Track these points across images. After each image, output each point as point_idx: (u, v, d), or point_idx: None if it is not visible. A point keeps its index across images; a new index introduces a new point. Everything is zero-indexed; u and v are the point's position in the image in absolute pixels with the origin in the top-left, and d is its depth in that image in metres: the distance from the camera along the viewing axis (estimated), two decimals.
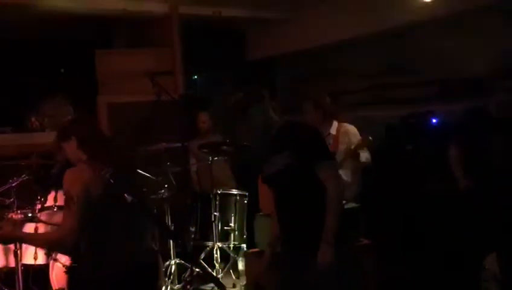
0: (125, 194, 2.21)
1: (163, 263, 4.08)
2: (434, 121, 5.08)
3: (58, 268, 3.58)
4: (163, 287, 4.19)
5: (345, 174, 3.69)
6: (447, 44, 5.23)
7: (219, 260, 4.49)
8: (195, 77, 7.18)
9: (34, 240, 2.75)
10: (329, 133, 3.94)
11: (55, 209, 3.76)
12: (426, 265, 4.25)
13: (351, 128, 4.02)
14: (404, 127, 5.44)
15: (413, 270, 4.21)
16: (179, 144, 4.84)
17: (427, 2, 4.53)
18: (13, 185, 3.73)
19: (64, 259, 3.54)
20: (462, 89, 5.10)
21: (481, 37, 5.00)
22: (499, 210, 3.40)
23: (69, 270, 3.25)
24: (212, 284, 4.30)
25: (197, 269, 4.14)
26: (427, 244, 4.56)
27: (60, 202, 3.76)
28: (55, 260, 3.62)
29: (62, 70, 6.72)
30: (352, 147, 3.85)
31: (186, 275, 4.37)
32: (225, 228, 4.53)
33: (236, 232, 4.54)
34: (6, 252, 3.75)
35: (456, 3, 4.86)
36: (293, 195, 2.57)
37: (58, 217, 3.76)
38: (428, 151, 4.96)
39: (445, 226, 4.46)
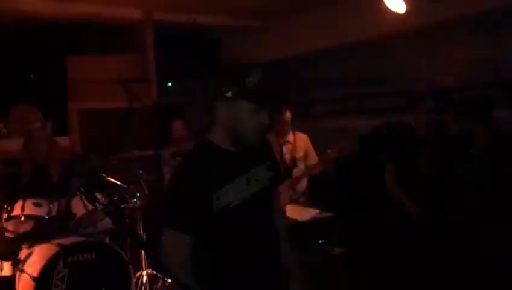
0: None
1: (135, 273, 3.99)
2: (405, 131, 5.14)
3: (25, 279, 3.46)
4: None
5: None
6: (418, 55, 5.33)
7: None
8: (170, 84, 7.12)
9: None
10: (288, 141, 4.43)
11: (22, 219, 3.64)
12: (398, 273, 4.28)
13: (305, 137, 4.51)
14: (376, 137, 5.49)
15: (385, 279, 4.24)
16: (151, 152, 4.77)
17: (399, 14, 4.59)
18: None
19: (31, 270, 3.43)
20: (432, 99, 5.19)
21: (452, 48, 5.12)
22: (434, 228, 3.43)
23: None
24: None
25: (169, 280, 4.07)
26: (398, 253, 4.60)
27: (28, 211, 3.65)
28: (22, 271, 3.50)
29: (32, 76, 6.58)
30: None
31: (158, 286, 4.29)
32: None
33: None
34: None
35: (427, 15, 4.96)
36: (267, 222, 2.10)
37: (25, 227, 3.67)
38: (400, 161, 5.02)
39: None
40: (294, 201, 4.40)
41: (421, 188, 3.50)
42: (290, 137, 4.51)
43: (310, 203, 4.41)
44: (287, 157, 4.47)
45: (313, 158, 4.48)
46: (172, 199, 2.00)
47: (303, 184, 4.51)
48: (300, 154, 4.47)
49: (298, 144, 4.47)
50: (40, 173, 3.93)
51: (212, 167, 1.94)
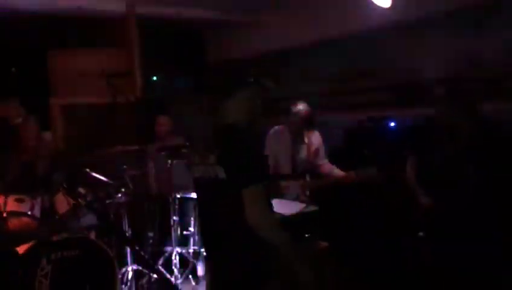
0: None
1: (120, 269, 3.95)
2: (392, 125, 5.17)
3: None
4: None
5: None
6: (405, 49, 5.36)
7: (178, 266, 4.40)
8: (154, 78, 7.05)
9: None
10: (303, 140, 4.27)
11: (4, 215, 3.58)
12: (381, 268, 4.31)
13: (317, 134, 4.33)
14: (362, 131, 5.51)
15: (369, 273, 4.26)
16: (135, 147, 4.72)
17: (385, 8, 4.60)
18: None
19: None
20: (420, 94, 5.23)
21: (435, 42, 5.15)
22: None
23: None
24: None
25: (155, 276, 4.03)
26: (383, 246, 4.62)
27: (10, 207, 3.59)
28: None
29: (13, 70, 6.46)
30: None
31: (144, 282, 4.26)
32: (184, 232, 4.44)
33: (196, 237, 4.45)
34: None
35: (413, 9, 4.98)
36: None
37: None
38: (386, 155, 5.04)
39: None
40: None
41: (436, 181, 3.51)
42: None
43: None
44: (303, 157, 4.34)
45: (323, 156, 4.35)
46: None
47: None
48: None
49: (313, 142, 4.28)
50: (27, 168, 3.89)
51: None
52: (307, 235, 3.79)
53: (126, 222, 4.29)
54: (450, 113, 3.57)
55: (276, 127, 4.36)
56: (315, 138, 4.35)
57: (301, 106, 4.22)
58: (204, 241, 2.48)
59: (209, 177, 2.26)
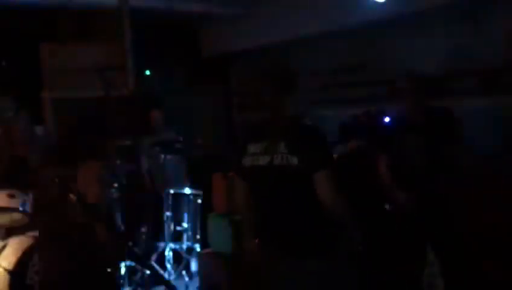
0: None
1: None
2: (386, 120, 5.16)
3: None
4: None
5: None
6: (399, 44, 5.35)
7: (171, 261, 4.37)
8: (148, 72, 6.99)
9: None
10: None
11: None
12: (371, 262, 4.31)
13: None
14: (356, 126, 5.49)
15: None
16: (128, 142, 4.68)
17: (380, 2, 4.59)
18: None
19: (5, 263, 3.33)
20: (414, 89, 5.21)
21: (433, 37, 5.15)
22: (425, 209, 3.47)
23: None
24: (163, 287, 4.18)
25: (148, 271, 4.01)
26: (376, 241, 4.63)
27: (1, 203, 3.55)
28: None
29: (3, 63, 6.38)
30: None
31: (137, 278, 4.23)
32: (178, 228, 4.41)
33: (190, 233, 4.43)
34: None
35: (406, 4, 4.96)
36: None
37: None
38: (380, 150, 5.03)
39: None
40: None
41: (411, 177, 3.50)
42: None
43: None
44: None
45: None
46: None
47: None
48: None
49: None
50: (19, 163, 3.84)
51: None
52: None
53: (119, 217, 4.26)
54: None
55: None
56: None
57: None
58: (263, 224, 2.53)
59: (275, 164, 2.40)
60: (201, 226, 4.43)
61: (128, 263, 4.18)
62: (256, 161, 2.48)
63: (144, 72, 6.86)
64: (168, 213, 4.38)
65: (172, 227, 4.39)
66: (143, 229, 4.45)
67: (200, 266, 4.16)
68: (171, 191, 4.43)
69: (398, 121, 3.67)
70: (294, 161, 2.36)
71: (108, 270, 3.41)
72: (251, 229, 2.59)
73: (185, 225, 4.40)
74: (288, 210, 2.44)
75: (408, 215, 3.57)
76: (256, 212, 2.58)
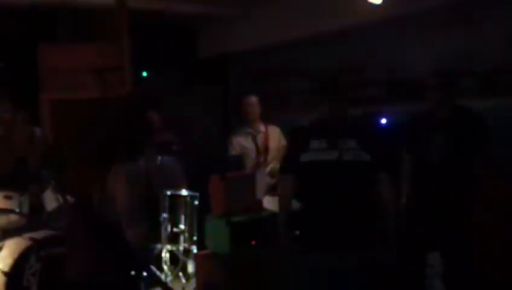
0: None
1: None
2: (383, 121, 5.16)
3: None
4: None
5: None
6: (396, 45, 5.35)
7: (168, 263, 4.37)
8: (145, 73, 6.98)
9: None
10: (261, 131, 4.56)
11: None
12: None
13: (277, 128, 4.63)
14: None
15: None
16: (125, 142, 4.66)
17: (376, 4, 4.59)
18: None
19: (2, 265, 3.34)
20: (411, 89, 5.22)
21: (429, 38, 5.15)
22: (439, 209, 3.46)
23: None
24: (160, 289, 4.17)
25: (144, 273, 4.00)
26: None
27: None
28: None
29: (1, 64, 6.37)
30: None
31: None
32: (175, 230, 4.40)
33: (186, 234, 4.43)
34: None
35: (402, 5, 4.96)
36: None
37: None
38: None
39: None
40: (274, 187, 4.39)
41: (431, 176, 3.49)
42: (262, 127, 4.53)
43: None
44: (260, 146, 4.48)
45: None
46: None
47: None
48: (273, 144, 4.47)
49: (271, 134, 4.52)
50: (18, 165, 3.85)
51: None
52: (297, 233, 3.78)
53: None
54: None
55: None
56: (273, 131, 4.66)
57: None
58: (316, 217, 2.65)
59: (345, 159, 2.55)
60: (198, 228, 4.43)
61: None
62: (321, 156, 2.57)
63: (142, 73, 6.86)
64: (164, 215, 4.37)
65: (169, 229, 4.39)
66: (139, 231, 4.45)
67: (197, 267, 4.16)
68: (168, 193, 4.42)
69: (425, 119, 3.62)
70: (367, 157, 2.48)
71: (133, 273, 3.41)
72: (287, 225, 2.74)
73: (182, 226, 4.40)
74: (349, 204, 2.56)
75: (409, 215, 3.57)
76: (306, 206, 2.64)
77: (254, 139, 4.49)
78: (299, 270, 2.72)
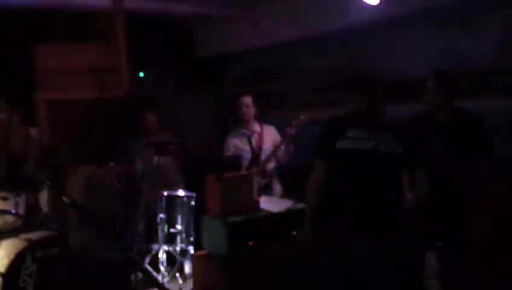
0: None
1: None
2: None
3: None
4: None
5: None
6: (395, 45, 5.35)
7: (165, 264, 4.37)
8: (142, 74, 6.98)
9: None
10: (256, 131, 4.52)
11: None
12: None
13: (272, 128, 4.59)
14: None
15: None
16: (122, 143, 4.67)
17: (374, 5, 4.59)
18: None
19: None
20: (410, 90, 5.21)
21: (421, 39, 5.17)
22: (438, 210, 3.46)
23: None
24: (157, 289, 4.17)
25: (141, 274, 4.01)
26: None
27: None
28: None
29: None
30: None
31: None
32: (171, 230, 4.40)
33: (183, 235, 4.42)
34: None
35: (397, 6, 4.97)
36: None
37: None
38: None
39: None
40: (264, 186, 4.40)
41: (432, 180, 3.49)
42: (257, 127, 4.52)
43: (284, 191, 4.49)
44: (255, 146, 4.48)
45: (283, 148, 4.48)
46: None
47: (271, 167, 4.50)
48: (267, 144, 4.46)
49: (266, 134, 4.49)
50: (15, 165, 3.84)
51: None
52: (294, 233, 3.78)
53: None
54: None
55: None
56: (268, 131, 4.59)
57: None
58: (346, 205, 2.72)
59: (381, 150, 2.66)
60: (195, 228, 4.43)
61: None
62: (358, 144, 2.66)
63: (139, 73, 6.86)
64: (161, 215, 4.37)
65: (166, 229, 4.38)
66: (136, 232, 4.45)
67: (193, 268, 4.15)
68: (165, 193, 4.42)
69: (424, 121, 3.61)
70: (400, 150, 2.61)
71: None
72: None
73: (179, 227, 4.40)
74: (381, 193, 2.66)
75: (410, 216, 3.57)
76: (337, 194, 2.74)
77: (249, 140, 4.48)
78: (301, 268, 2.75)
